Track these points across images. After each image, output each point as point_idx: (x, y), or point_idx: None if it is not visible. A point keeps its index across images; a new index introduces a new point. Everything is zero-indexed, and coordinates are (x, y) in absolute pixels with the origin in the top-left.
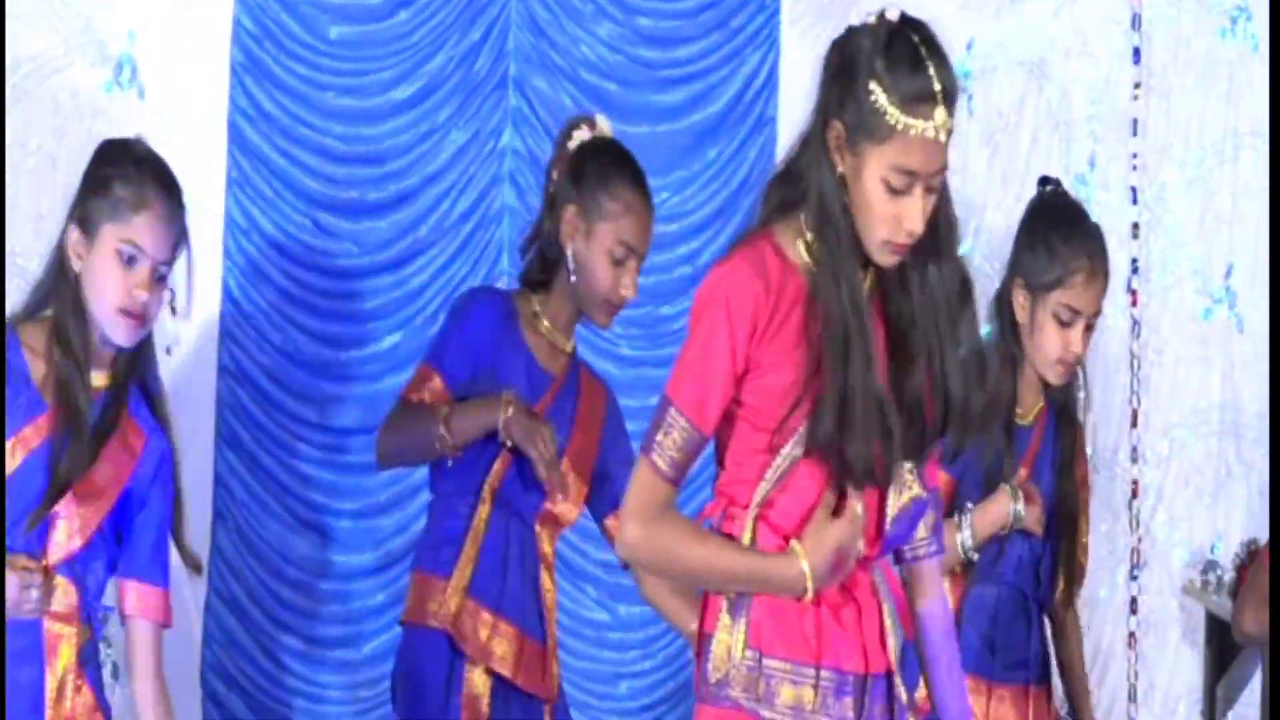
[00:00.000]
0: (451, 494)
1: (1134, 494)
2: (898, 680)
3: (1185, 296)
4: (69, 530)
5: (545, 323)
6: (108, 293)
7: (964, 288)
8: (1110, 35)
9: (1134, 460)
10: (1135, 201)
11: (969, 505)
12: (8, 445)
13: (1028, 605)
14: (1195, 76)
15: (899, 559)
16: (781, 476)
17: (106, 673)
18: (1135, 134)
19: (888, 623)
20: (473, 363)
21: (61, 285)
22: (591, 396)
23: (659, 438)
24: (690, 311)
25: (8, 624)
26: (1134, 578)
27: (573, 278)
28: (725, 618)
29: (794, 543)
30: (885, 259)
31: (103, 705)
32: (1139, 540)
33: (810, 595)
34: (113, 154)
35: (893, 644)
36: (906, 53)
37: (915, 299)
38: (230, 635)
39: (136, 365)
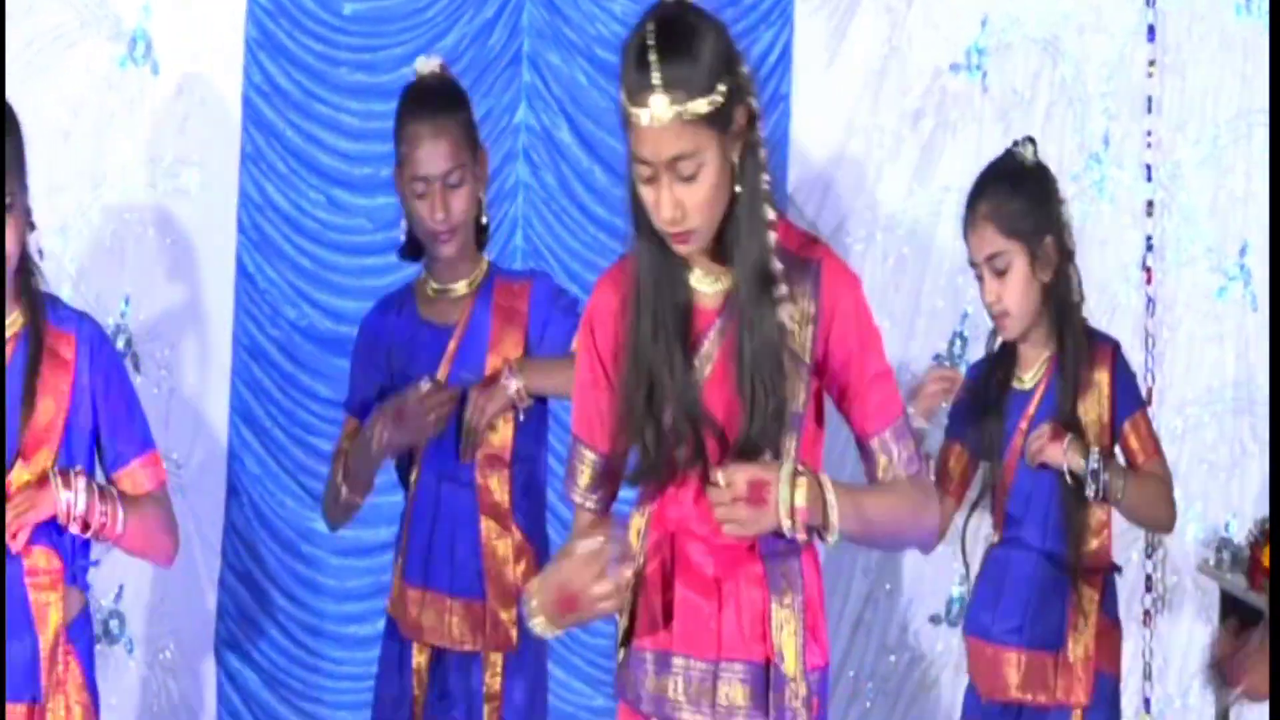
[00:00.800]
0: (404, 476)
1: None
2: (786, 671)
3: (1200, 274)
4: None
5: (432, 283)
6: None
7: (760, 274)
8: (1125, 12)
9: None
10: (1150, 179)
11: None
12: None
13: (1041, 566)
14: (1210, 53)
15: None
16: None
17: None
18: (1150, 111)
19: (776, 616)
20: (376, 379)
21: None
22: (505, 313)
23: (569, 474)
24: None
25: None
26: (1149, 556)
27: (407, 227)
28: (619, 614)
29: (528, 584)
30: (675, 246)
31: (90, 685)
32: None
33: (542, 633)
34: None
35: (781, 638)
36: (636, 45)
37: (732, 288)
38: (244, 611)
39: (36, 288)
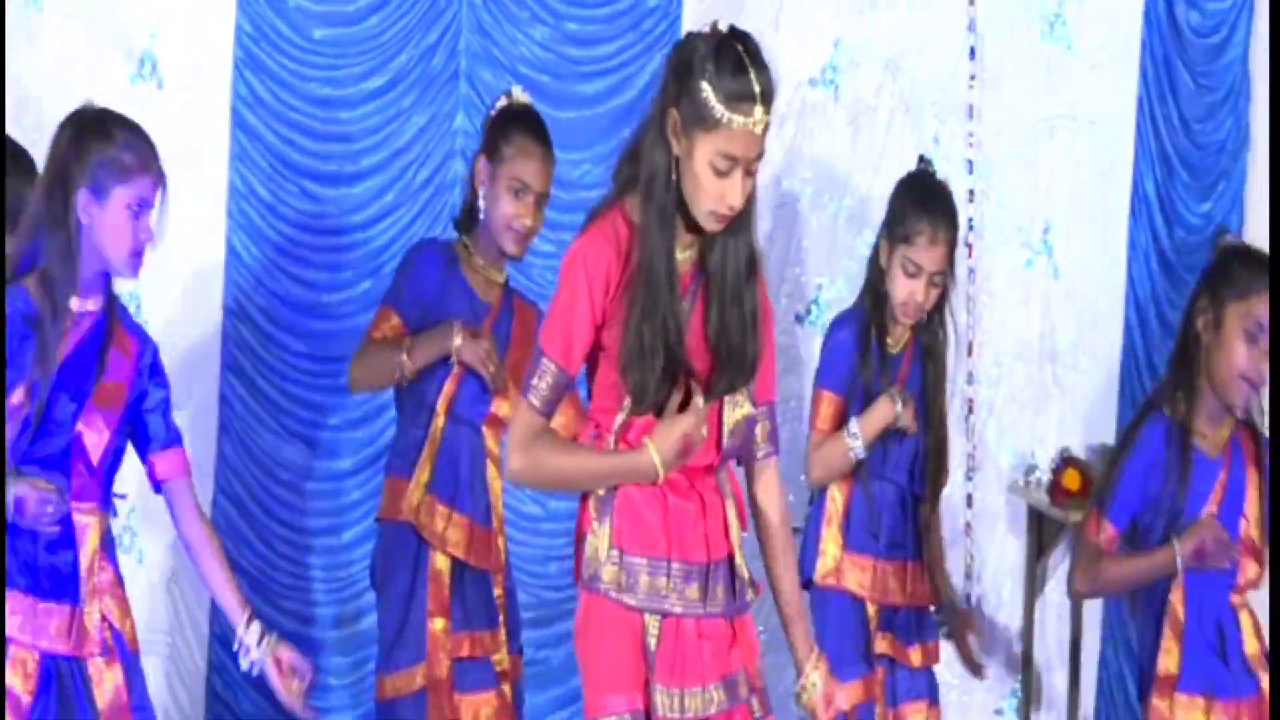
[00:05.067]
0: (413, 410)
1: (970, 410)
2: (739, 561)
3: (1011, 250)
4: (98, 432)
5: (479, 260)
6: (123, 240)
7: (751, 258)
8: (951, 36)
9: (970, 382)
10: (971, 172)
11: (854, 417)
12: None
13: (905, 498)
14: (1020, 70)
15: (743, 462)
16: (632, 407)
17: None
18: (971, 117)
19: (730, 515)
20: (422, 301)
21: (53, 241)
22: (524, 318)
23: (534, 382)
24: (559, 273)
25: (36, 519)
26: (969, 478)
27: (482, 216)
28: (594, 524)
29: (646, 438)
30: (711, 226)
31: (119, 578)
32: (974, 448)
33: (661, 477)
34: (101, 123)
35: (734, 533)
36: (732, 58)
37: (716, 263)
38: (234, 527)
39: (112, 287)
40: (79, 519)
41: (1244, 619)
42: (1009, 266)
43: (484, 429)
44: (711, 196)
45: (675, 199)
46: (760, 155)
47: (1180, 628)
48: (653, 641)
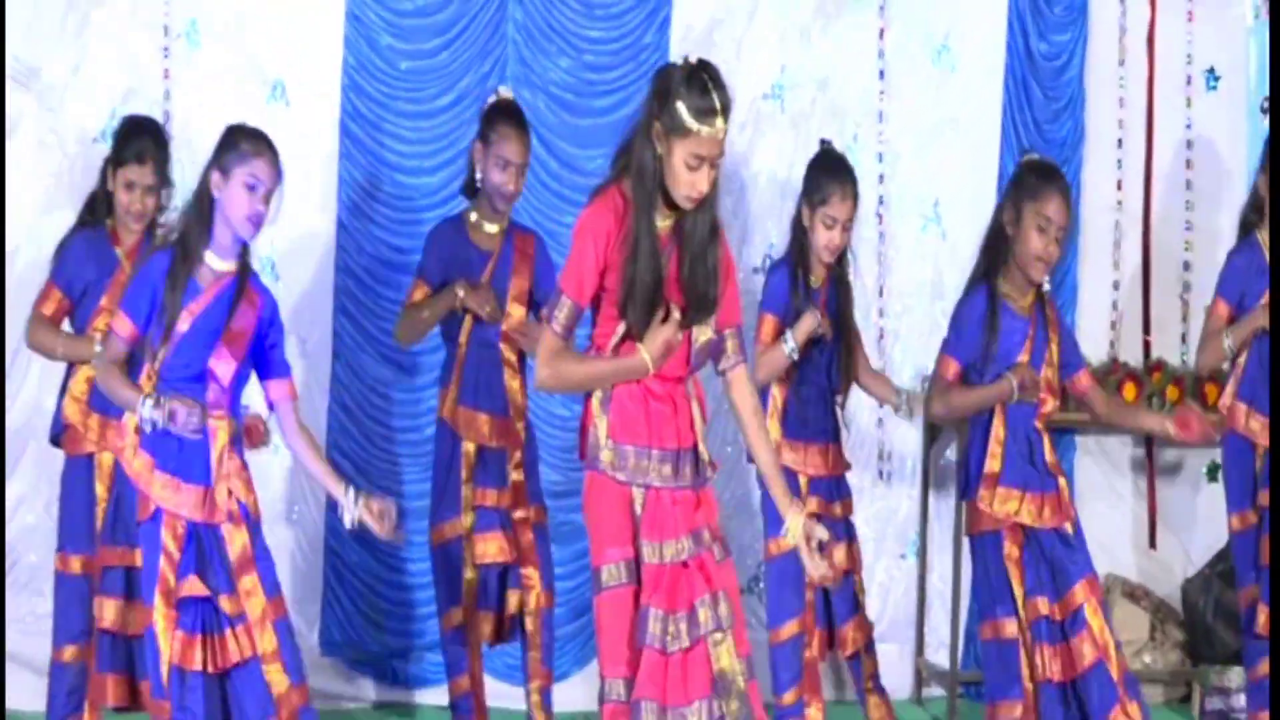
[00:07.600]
0: (448, 341)
1: (881, 336)
2: (701, 448)
3: (911, 218)
4: (226, 363)
5: (475, 218)
6: (240, 207)
7: (713, 227)
8: (866, 62)
9: (881, 316)
10: (881, 161)
11: (788, 330)
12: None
13: (825, 394)
14: (916, 87)
15: (720, 372)
16: (625, 330)
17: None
18: (881, 121)
19: (695, 414)
20: (441, 264)
21: (193, 211)
22: (522, 246)
23: (556, 314)
24: (573, 232)
25: (184, 427)
26: None
27: (479, 185)
28: (596, 419)
29: (639, 344)
30: (686, 205)
31: (245, 464)
32: (884, 364)
33: (651, 370)
34: (235, 130)
35: (698, 426)
36: (699, 83)
37: (689, 229)
38: (344, 428)
39: (248, 254)
40: (212, 423)
41: (1045, 439)
42: (909, 231)
43: (500, 345)
44: (685, 185)
45: (659, 185)
46: (721, 154)
47: (1002, 441)
48: (639, 508)
